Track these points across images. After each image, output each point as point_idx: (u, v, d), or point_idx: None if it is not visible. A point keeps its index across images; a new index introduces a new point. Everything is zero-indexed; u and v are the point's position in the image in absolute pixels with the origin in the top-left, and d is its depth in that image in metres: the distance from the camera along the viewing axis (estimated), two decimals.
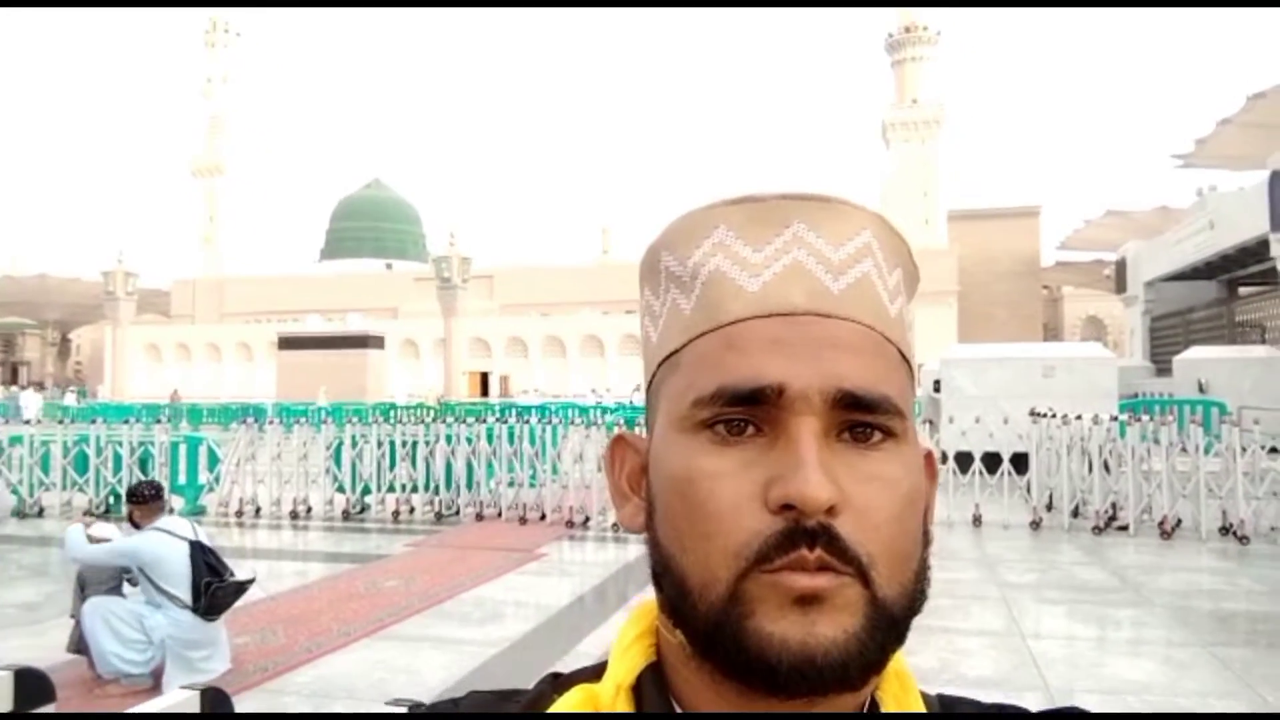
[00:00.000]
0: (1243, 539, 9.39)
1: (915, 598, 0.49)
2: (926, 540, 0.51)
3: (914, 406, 0.53)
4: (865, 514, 0.47)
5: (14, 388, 56.83)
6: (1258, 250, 23.57)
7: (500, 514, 11.19)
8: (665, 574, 0.50)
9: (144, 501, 5.25)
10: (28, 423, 22.15)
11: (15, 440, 12.24)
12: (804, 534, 0.45)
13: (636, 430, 0.61)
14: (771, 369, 0.48)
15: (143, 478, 11.05)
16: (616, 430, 0.62)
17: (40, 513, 11.84)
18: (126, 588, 5.45)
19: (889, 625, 0.47)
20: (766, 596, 0.46)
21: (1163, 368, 27.20)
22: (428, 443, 11.62)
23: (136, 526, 5.19)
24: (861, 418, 0.48)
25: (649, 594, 0.55)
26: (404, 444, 11.71)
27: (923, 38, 77.81)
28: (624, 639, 0.56)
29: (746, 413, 0.48)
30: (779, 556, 0.45)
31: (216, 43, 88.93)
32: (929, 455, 0.54)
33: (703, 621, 0.47)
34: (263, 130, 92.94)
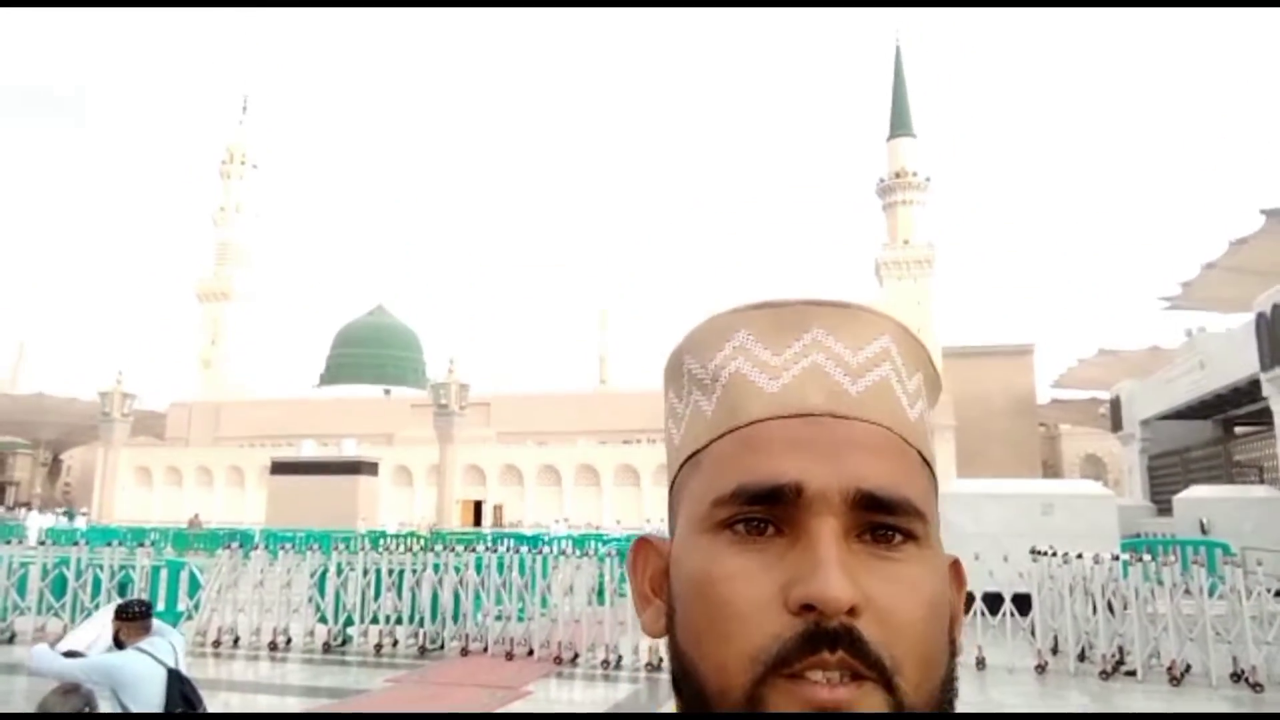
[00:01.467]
0: (1256, 686, 9.06)
1: (941, 707, 0.48)
2: (954, 650, 0.50)
3: (937, 511, 0.52)
4: (888, 616, 0.46)
5: (21, 509, 56.08)
6: (1250, 390, 23.74)
7: (486, 648, 10.81)
8: (685, 680, 0.49)
9: (133, 619, 5.06)
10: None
11: None
12: (825, 636, 0.45)
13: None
14: (790, 468, 0.48)
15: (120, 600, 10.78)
16: (640, 535, 0.61)
17: (11, 639, 11.44)
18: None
19: None
20: (786, 705, 0.45)
21: (1163, 507, 26.93)
22: (414, 571, 11.34)
23: (120, 645, 4.99)
24: (882, 519, 0.48)
25: None
26: (390, 573, 11.42)
27: (912, 183, 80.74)
28: None
29: (766, 512, 0.48)
30: (799, 660, 0.45)
31: (232, 173, 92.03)
32: (956, 563, 0.53)
33: None
34: (271, 257, 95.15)
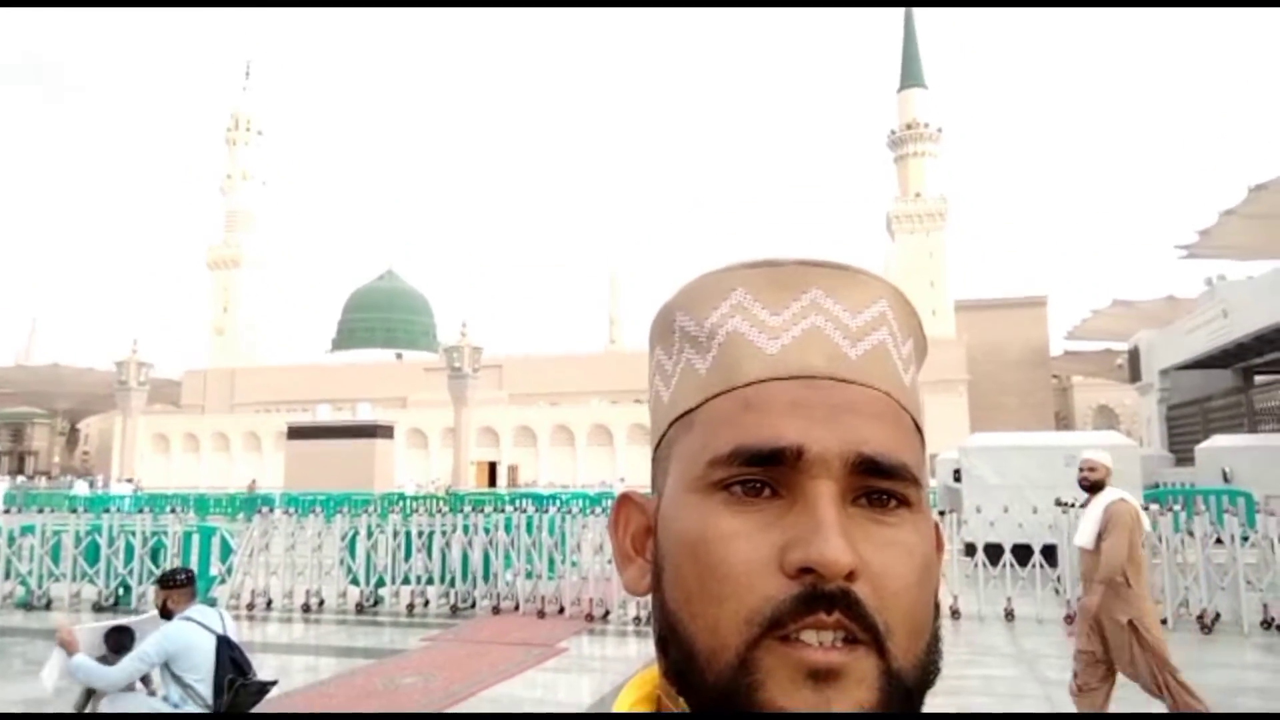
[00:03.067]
0: None
1: (928, 670, 0.48)
2: (936, 611, 0.50)
3: (928, 476, 0.52)
4: (883, 581, 0.46)
5: (70, 477, 56.74)
6: (1273, 338, 23.58)
7: (517, 607, 10.91)
8: (671, 639, 0.48)
9: (178, 586, 5.09)
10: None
11: (27, 530, 12.09)
12: (822, 598, 0.44)
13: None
14: (791, 431, 0.48)
15: (154, 569, 10.90)
16: (621, 490, 0.59)
17: (48, 605, 11.60)
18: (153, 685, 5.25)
19: (904, 699, 0.46)
20: (778, 668, 0.44)
21: (1182, 457, 26.89)
22: (444, 533, 11.42)
23: (168, 613, 5.02)
24: (879, 484, 0.48)
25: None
26: (420, 534, 11.51)
27: (924, 134, 79.76)
28: (620, 707, 0.54)
29: (764, 474, 0.48)
30: (794, 621, 0.45)
31: (238, 140, 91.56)
32: (937, 525, 0.53)
33: (710, 690, 0.46)
34: (280, 223, 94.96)
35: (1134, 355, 35.42)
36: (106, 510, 12.49)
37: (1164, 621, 9.73)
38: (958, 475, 16.74)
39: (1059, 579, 10.77)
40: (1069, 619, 10.06)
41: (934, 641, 0.49)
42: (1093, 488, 5.90)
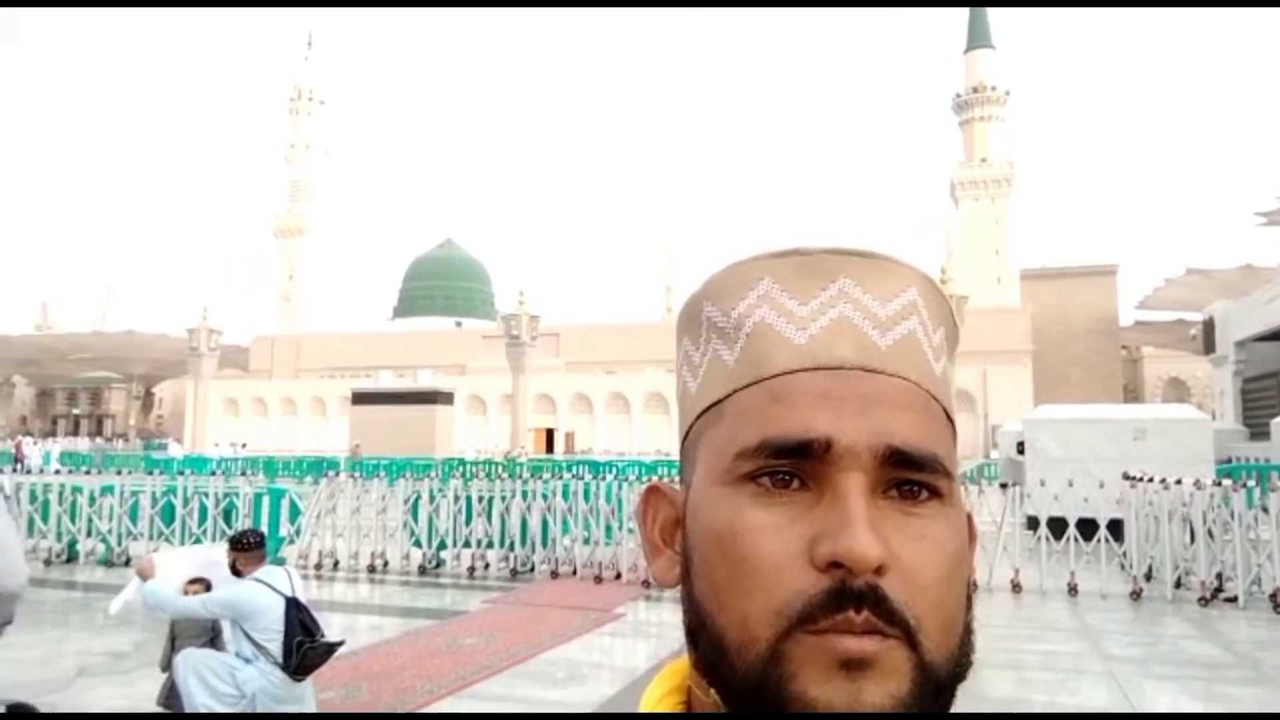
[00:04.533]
0: None
1: (961, 663, 0.48)
2: (969, 603, 0.49)
3: (958, 466, 0.51)
4: (913, 574, 0.46)
5: (168, 440, 58.57)
6: None
7: (575, 572, 11.07)
8: (701, 631, 0.48)
9: (248, 549, 5.28)
10: (29, 472, 22.66)
11: (107, 490, 12.60)
12: (851, 595, 0.44)
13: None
14: (819, 422, 0.47)
15: (227, 529, 11.29)
16: (649, 480, 0.57)
17: (127, 562, 12.09)
18: (226, 640, 5.46)
19: (936, 691, 0.45)
20: (810, 658, 0.44)
21: (1257, 431, 26.00)
22: (503, 498, 11.61)
23: (238, 574, 5.21)
24: (910, 476, 0.48)
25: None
26: (480, 499, 11.72)
27: (991, 97, 77.51)
28: (650, 698, 0.54)
29: (792, 466, 0.47)
30: (824, 618, 0.44)
31: (301, 110, 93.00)
32: (969, 517, 0.52)
33: (741, 682, 0.46)
34: (342, 192, 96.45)
35: (1208, 326, 34.23)
36: (181, 473, 12.95)
37: (1233, 600, 9.51)
38: (1021, 448, 16.43)
39: (1125, 554, 10.54)
40: (1135, 595, 9.87)
41: (966, 634, 0.48)
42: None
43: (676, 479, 0.58)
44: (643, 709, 0.53)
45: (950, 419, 0.52)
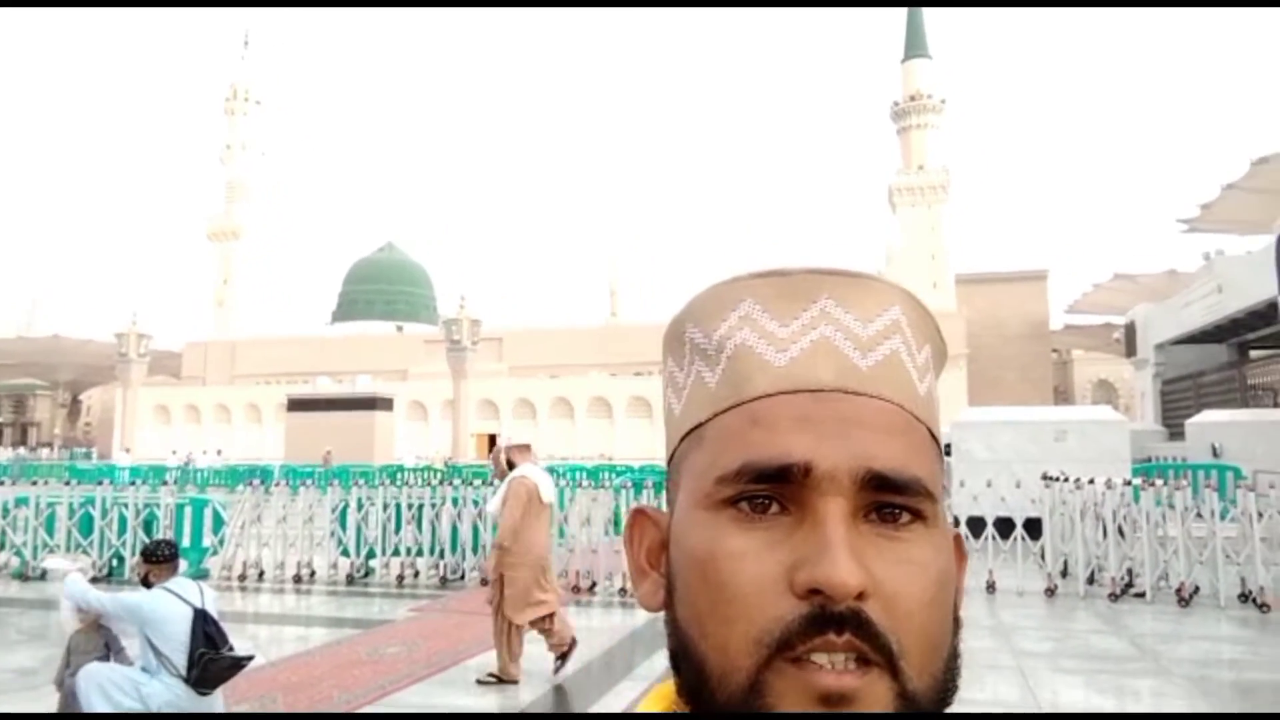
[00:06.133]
0: (1263, 606, 9.19)
1: (946, 689, 0.47)
2: (956, 626, 0.49)
3: (943, 487, 0.51)
4: (895, 600, 0.45)
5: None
6: (1267, 314, 23.53)
7: None
8: (684, 657, 0.48)
9: (160, 561, 5.20)
10: None
11: (21, 501, 12.22)
12: (831, 619, 0.44)
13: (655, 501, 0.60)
14: (798, 447, 0.47)
15: (147, 540, 11.02)
16: (635, 505, 0.60)
17: (43, 575, 11.74)
18: (125, 653, 5.37)
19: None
20: (790, 691, 0.44)
21: (1175, 431, 26.96)
22: (434, 505, 11.54)
23: (148, 585, 5.13)
24: (891, 499, 0.47)
25: (656, 662, 0.53)
26: (410, 507, 11.62)
27: (927, 106, 79.12)
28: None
29: (772, 490, 0.47)
30: (803, 642, 0.44)
31: (236, 110, 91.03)
32: (958, 538, 0.52)
33: (722, 710, 0.46)
34: (280, 195, 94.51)
35: (1130, 330, 35.42)
36: (99, 483, 12.60)
37: (1142, 595, 9.88)
38: (948, 450, 16.85)
39: (1041, 552, 10.88)
40: (1049, 591, 10.19)
41: (952, 659, 0.48)
42: (508, 466, 6.88)
43: (640, 486, 0.59)
44: None
45: (936, 439, 0.52)
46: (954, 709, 0.48)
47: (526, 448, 6.90)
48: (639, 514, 0.57)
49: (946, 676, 0.47)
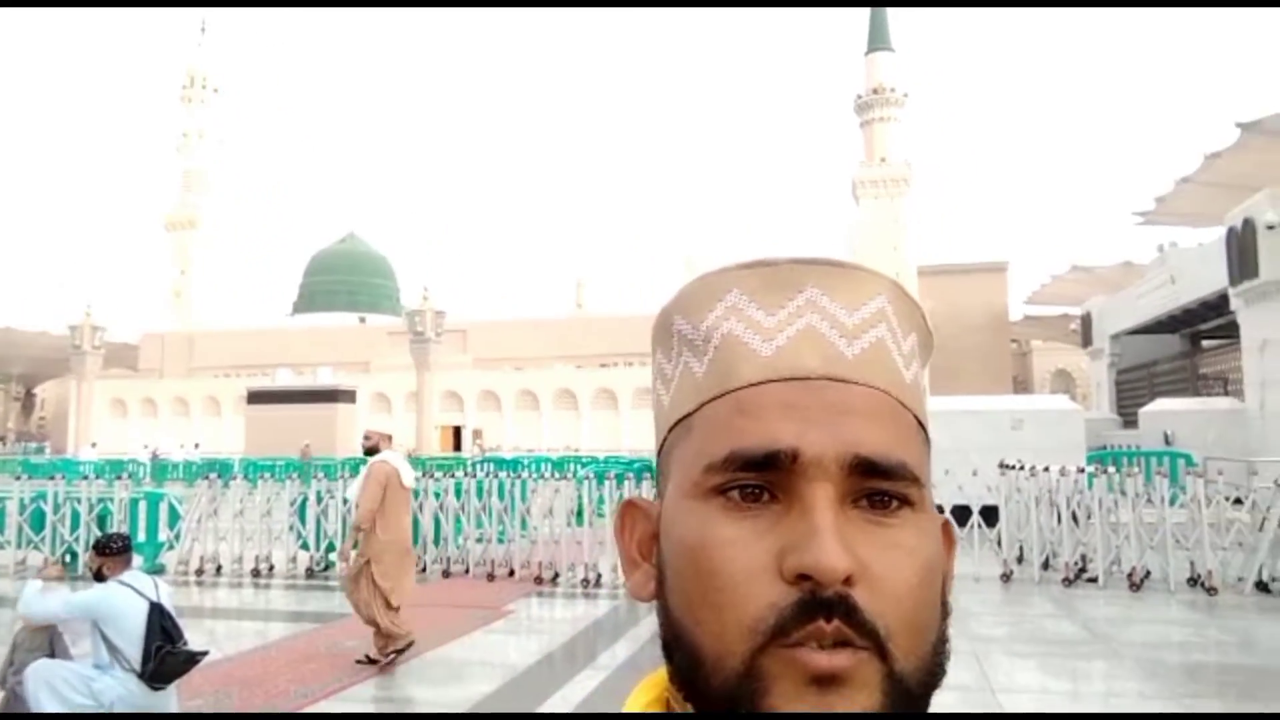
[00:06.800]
0: (1211, 590, 9.42)
1: (934, 672, 0.48)
2: (945, 611, 0.50)
3: (930, 474, 0.52)
4: (883, 584, 0.46)
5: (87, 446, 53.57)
6: (1218, 304, 24.09)
7: (468, 570, 11.00)
8: (677, 645, 0.48)
9: (113, 554, 5.11)
10: None
11: None
12: (821, 605, 0.44)
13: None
14: (785, 434, 0.47)
15: (100, 535, 10.82)
16: (627, 496, 0.61)
17: None
18: (74, 650, 5.27)
19: (907, 703, 0.46)
20: (783, 674, 0.44)
21: (1129, 420, 27.54)
22: None
23: (102, 579, 5.03)
24: (878, 485, 0.48)
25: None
26: None
27: (890, 99, 79.76)
28: (631, 707, 0.55)
29: (760, 478, 0.47)
30: (795, 629, 0.44)
31: (194, 98, 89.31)
32: (946, 524, 0.53)
33: (716, 696, 0.46)
34: (239, 184, 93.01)
35: (1086, 320, 36.09)
36: (51, 477, 12.34)
37: (1095, 580, 10.08)
38: None
39: (998, 539, 11.07)
40: (1005, 577, 10.37)
41: (940, 643, 0.49)
42: (369, 452, 7.15)
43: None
44: None
45: (923, 426, 0.53)
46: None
47: (389, 437, 7.25)
48: (630, 505, 0.57)
49: (934, 660, 0.48)
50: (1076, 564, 10.32)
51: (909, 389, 0.52)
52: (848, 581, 0.44)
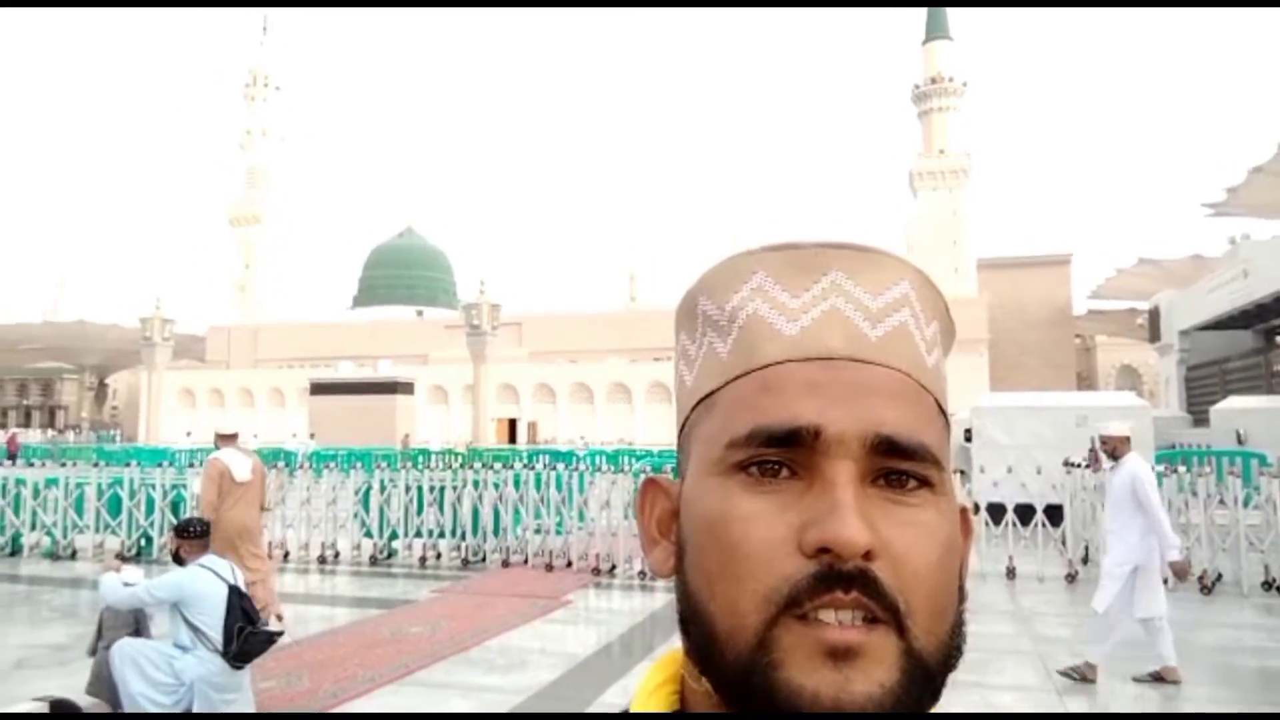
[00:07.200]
0: None
1: (951, 653, 0.48)
2: (962, 596, 0.50)
3: (950, 458, 0.53)
4: (903, 561, 0.46)
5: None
6: None
7: (526, 561, 11.15)
8: (693, 619, 0.49)
9: (194, 537, 5.31)
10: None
11: (51, 482, 12.43)
12: (840, 577, 0.44)
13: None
14: (808, 411, 0.48)
15: (174, 521, 11.20)
16: (647, 474, 0.62)
17: (73, 555, 11.97)
18: (153, 629, 5.49)
19: (925, 680, 0.46)
20: (797, 646, 0.44)
21: (1199, 418, 26.73)
22: (455, 488, 11.65)
23: (180, 561, 5.23)
24: (899, 465, 0.48)
25: (676, 643, 0.55)
26: (432, 489, 11.74)
27: (949, 89, 78.30)
28: (647, 686, 0.55)
29: (782, 455, 0.48)
30: (811, 599, 0.44)
31: (256, 96, 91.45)
32: (964, 510, 0.53)
33: (730, 669, 0.46)
34: (300, 180, 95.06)
35: (1154, 315, 35.05)
36: (127, 464, 12.81)
37: (1164, 582, 9.81)
38: (968, 435, 16.78)
39: (1062, 538, 10.85)
40: (1070, 577, 10.17)
41: (957, 625, 0.49)
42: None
43: (659, 471, 0.60)
44: (637, 700, 0.55)
45: (943, 410, 0.53)
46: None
47: (233, 436, 7.75)
48: (650, 483, 0.58)
49: (952, 641, 0.48)
50: None
51: (930, 373, 0.52)
52: (867, 556, 0.45)
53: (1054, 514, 10.88)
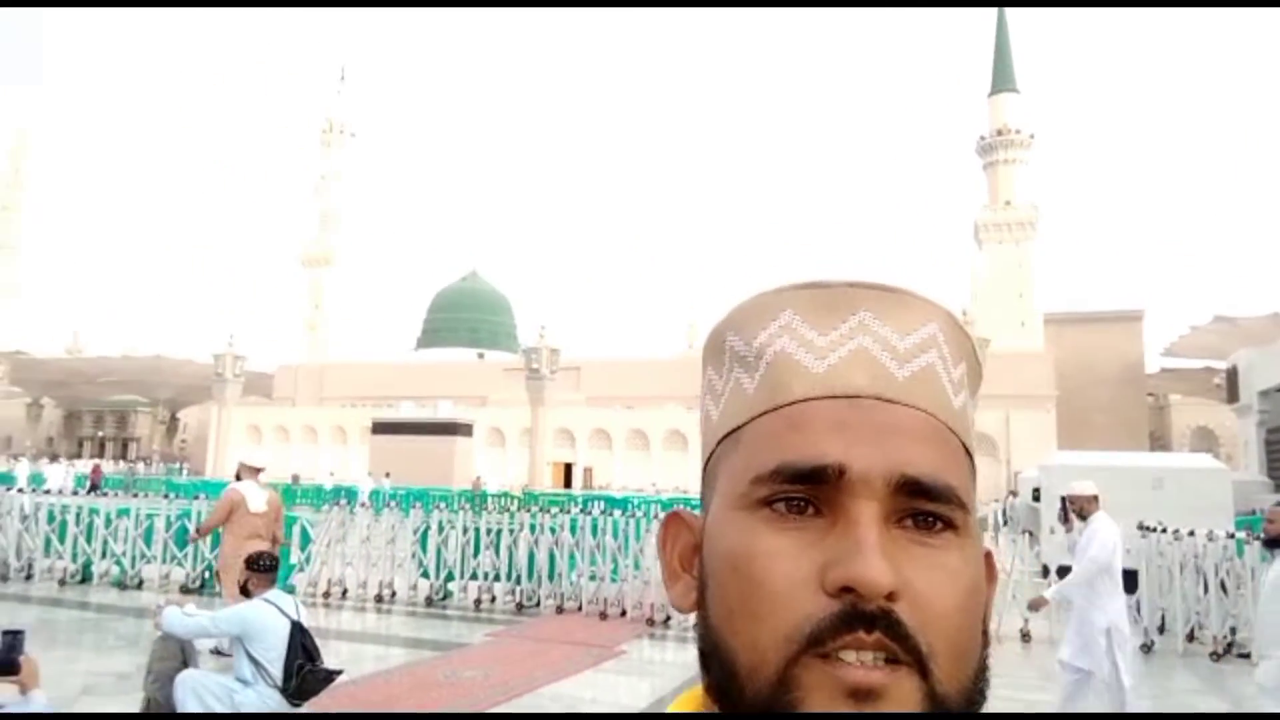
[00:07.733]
0: None
1: (974, 697, 0.47)
2: (986, 640, 0.49)
3: (975, 501, 0.52)
4: (927, 603, 0.46)
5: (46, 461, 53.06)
6: None
7: (580, 607, 11.06)
8: (714, 655, 0.49)
9: (262, 570, 5.40)
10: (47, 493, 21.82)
11: (123, 512, 12.77)
12: (862, 618, 0.44)
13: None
14: (834, 449, 0.48)
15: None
16: (670, 510, 0.62)
17: (140, 585, 12.24)
18: (214, 660, 5.56)
19: None
20: (819, 685, 0.44)
21: None
22: (511, 531, 11.66)
23: (247, 593, 5.32)
24: (924, 506, 0.48)
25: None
26: (488, 532, 11.78)
27: (1015, 140, 77.56)
28: None
29: (806, 492, 0.48)
30: (833, 639, 0.44)
31: (332, 142, 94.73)
32: (989, 555, 0.53)
33: (750, 706, 0.46)
34: (370, 223, 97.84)
35: (1232, 375, 33.84)
36: (195, 497, 13.09)
37: (1246, 655, 9.33)
38: (1037, 494, 16.30)
39: (1137, 605, 10.41)
40: (1146, 647, 9.73)
41: (981, 669, 0.48)
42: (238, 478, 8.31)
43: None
44: None
45: (969, 453, 0.53)
46: None
47: (259, 470, 8.22)
48: (673, 517, 0.58)
49: (975, 687, 0.47)
50: (1225, 637, 9.60)
51: (957, 415, 0.52)
52: (890, 598, 0.44)
53: (1128, 580, 10.44)
